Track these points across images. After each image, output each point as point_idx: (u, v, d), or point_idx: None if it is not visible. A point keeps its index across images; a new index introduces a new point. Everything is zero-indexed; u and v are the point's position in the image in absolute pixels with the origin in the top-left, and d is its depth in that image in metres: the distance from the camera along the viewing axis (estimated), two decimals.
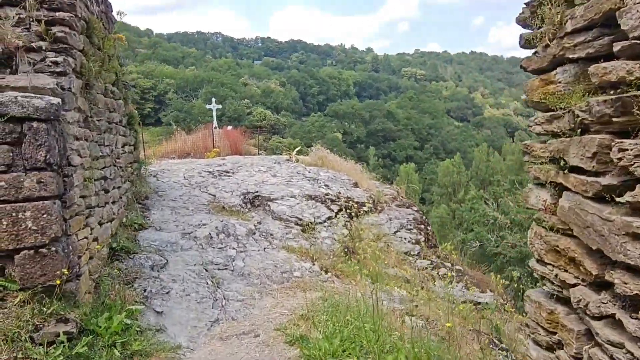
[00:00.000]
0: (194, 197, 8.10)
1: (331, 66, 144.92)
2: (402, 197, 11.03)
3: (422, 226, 9.30)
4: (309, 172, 10.83)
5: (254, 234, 7.22)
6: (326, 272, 6.73)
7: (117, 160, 6.27)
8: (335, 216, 8.47)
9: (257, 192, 8.74)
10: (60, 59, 4.15)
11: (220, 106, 20.93)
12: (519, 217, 22.92)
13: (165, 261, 5.83)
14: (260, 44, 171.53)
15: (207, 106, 20.35)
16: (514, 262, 20.82)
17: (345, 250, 7.61)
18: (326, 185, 9.84)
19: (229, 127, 20.71)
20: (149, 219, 6.96)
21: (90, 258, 4.74)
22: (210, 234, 6.70)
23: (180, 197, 8.01)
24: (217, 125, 19.51)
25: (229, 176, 9.57)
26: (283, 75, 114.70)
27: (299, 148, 13.92)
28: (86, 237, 4.61)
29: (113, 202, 5.96)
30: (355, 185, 10.81)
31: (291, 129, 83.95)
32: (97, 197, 5.15)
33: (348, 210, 8.92)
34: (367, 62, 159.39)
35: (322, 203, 8.79)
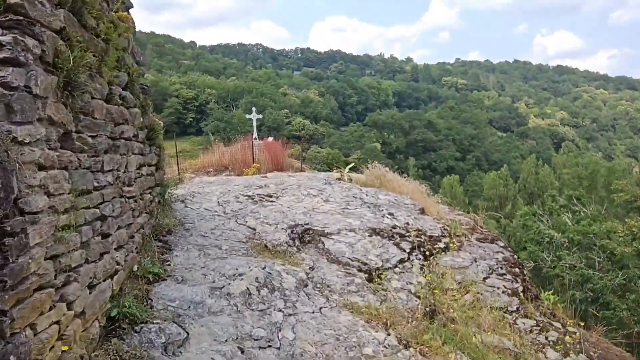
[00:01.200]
0: (228, 231, 6.38)
1: (370, 76, 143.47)
2: (482, 227, 8.97)
3: (517, 269, 7.23)
4: (367, 195, 8.96)
5: (306, 285, 5.41)
6: (406, 346, 4.82)
7: (127, 189, 4.63)
8: (408, 258, 6.55)
9: (307, 223, 6.94)
10: (8, 38, 2.49)
11: (260, 116, 19.49)
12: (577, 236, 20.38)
13: (185, 335, 4.09)
14: (299, 55, 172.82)
15: (247, 116, 18.97)
16: (574, 285, 18.43)
17: (427, 308, 5.67)
18: (390, 214, 7.93)
19: (270, 139, 19.16)
20: (169, 264, 5.28)
21: (65, 351, 3.05)
22: (248, 288, 4.94)
23: (212, 232, 6.31)
24: (257, 137, 18.03)
25: (272, 202, 7.81)
26: (322, 85, 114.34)
27: (351, 165, 12.08)
28: (56, 322, 2.92)
29: (118, 248, 4.30)
30: (422, 211, 8.86)
31: (330, 138, 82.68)
32: (86, 249, 3.48)
33: (422, 249, 6.98)
34: (407, 72, 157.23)
35: (390, 239, 6.88)
